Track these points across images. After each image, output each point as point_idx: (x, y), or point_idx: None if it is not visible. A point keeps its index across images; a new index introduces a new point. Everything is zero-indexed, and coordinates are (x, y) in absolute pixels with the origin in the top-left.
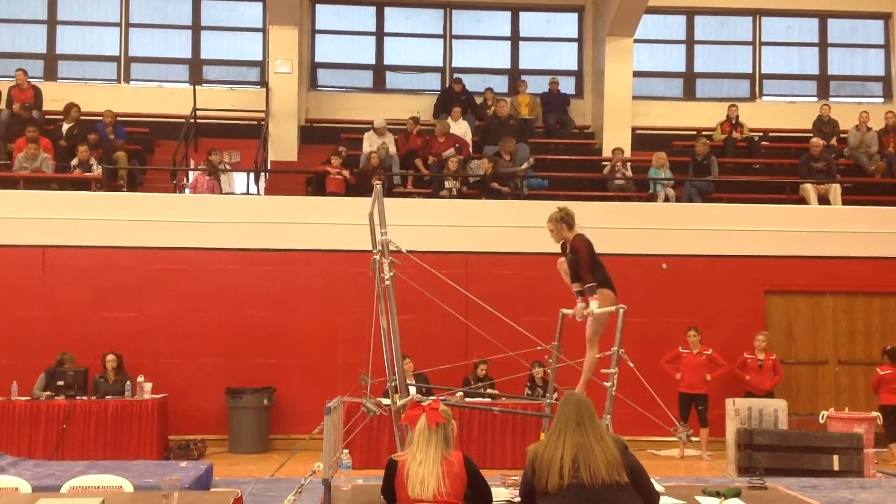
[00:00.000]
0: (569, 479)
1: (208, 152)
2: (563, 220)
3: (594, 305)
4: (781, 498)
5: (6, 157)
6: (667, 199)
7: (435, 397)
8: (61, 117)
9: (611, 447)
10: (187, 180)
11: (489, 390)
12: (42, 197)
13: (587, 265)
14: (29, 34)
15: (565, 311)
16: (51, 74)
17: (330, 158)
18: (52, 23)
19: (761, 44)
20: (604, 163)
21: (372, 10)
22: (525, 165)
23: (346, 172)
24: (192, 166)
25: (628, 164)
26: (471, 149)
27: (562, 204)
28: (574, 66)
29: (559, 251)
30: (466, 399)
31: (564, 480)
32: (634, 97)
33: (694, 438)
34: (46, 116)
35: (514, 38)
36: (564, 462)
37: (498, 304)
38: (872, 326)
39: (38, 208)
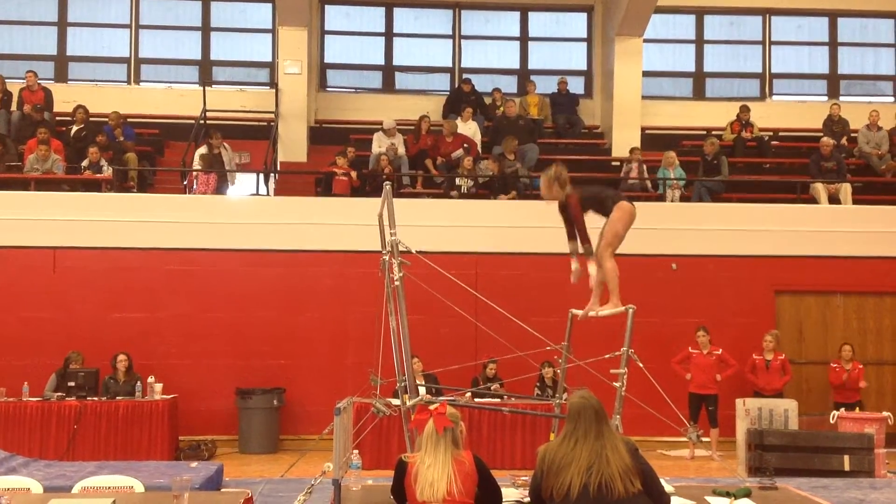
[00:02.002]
0: (579, 489)
1: (209, 136)
2: (557, 179)
3: (593, 270)
4: (792, 498)
5: (17, 158)
6: (672, 199)
7: (444, 398)
8: (72, 119)
9: (624, 456)
10: (196, 182)
11: (498, 390)
12: (53, 198)
13: (581, 225)
14: (39, 36)
15: (575, 311)
16: (61, 76)
17: (335, 159)
18: (62, 25)
19: (771, 43)
20: (613, 162)
21: (381, 10)
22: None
23: (352, 173)
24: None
25: (644, 165)
26: (479, 149)
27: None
28: (583, 66)
29: (569, 252)
30: (476, 399)
31: (574, 490)
32: (644, 97)
33: (704, 439)
34: (57, 118)
35: (524, 38)
36: (576, 474)
37: (507, 305)
38: (883, 326)
39: (49, 209)
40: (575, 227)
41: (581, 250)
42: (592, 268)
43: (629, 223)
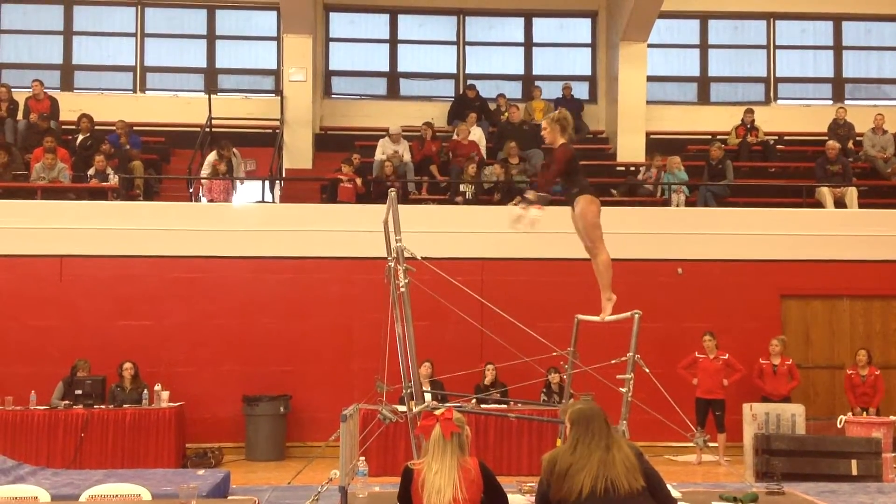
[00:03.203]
0: (588, 491)
1: (219, 146)
2: (558, 122)
3: (536, 214)
4: (799, 503)
5: (24, 167)
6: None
7: (450, 404)
8: (77, 128)
9: (628, 453)
10: (202, 190)
11: (502, 396)
12: (59, 207)
13: (559, 167)
14: (45, 45)
15: (581, 317)
16: (67, 85)
17: (341, 166)
18: (68, 33)
19: (776, 47)
20: (619, 167)
21: (385, 17)
22: None
23: (358, 180)
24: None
25: (663, 171)
26: (484, 155)
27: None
28: (588, 72)
29: (574, 257)
30: (482, 406)
31: (584, 492)
32: (648, 102)
33: (711, 444)
34: (63, 127)
35: (528, 44)
36: (587, 478)
37: (513, 311)
38: (889, 330)
39: (56, 218)
40: (551, 168)
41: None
42: (536, 212)
43: (599, 211)
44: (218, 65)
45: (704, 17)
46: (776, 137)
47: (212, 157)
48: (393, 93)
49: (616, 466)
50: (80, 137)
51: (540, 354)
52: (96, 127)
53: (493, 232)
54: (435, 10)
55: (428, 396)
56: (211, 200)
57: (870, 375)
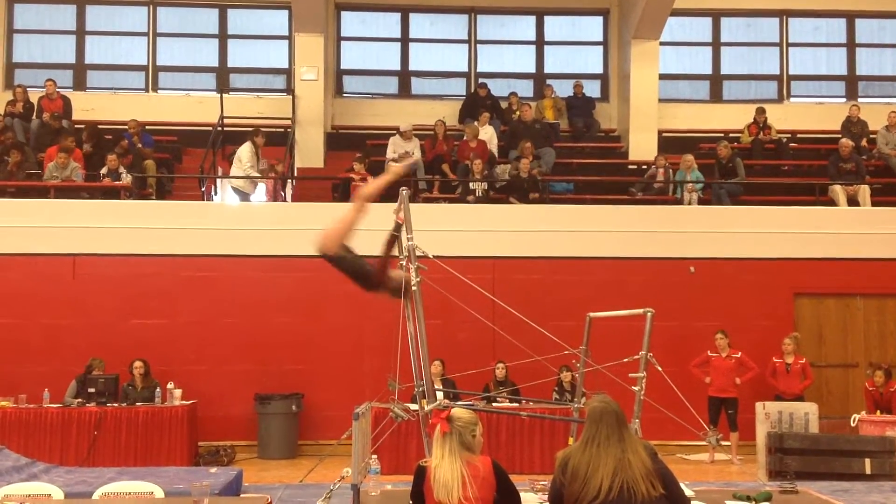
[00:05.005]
0: (604, 496)
1: (255, 134)
2: None
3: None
4: (812, 502)
5: (37, 166)
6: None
7: (462, 403)
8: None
9: (644, 458)
10: (215, 188)
11: (514, 395)
12: (72, 206)
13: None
14: (58, 45)
15: (593, 314)
16: (80, 84)
17: (353, 165)
18: (80, 33)
19: (788, 45)
20: (630, 166)
21: (397, 16)
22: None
23: (369, 179)
24: (220, 174)
25: (671, 169)
26: (496, 153)
27: None
28: (599, 70)
29: (586, 255)
30: (494, 404)
31: (602, 494)
32: (661, 100)
33: (724, 442)
34: (75, 126)
35: (539, 43)
36: (605, 479)
37: (525, 309)
38: None
39: (69, 217)
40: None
41: None
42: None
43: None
44: (230, 64)
45: (717, 15)
46: (789, 135)
47: (247, 147)
48: (404, 91)
49: (633, 469)
50: (85, 147)
51: (552, 353)
52: (108, 126)
53: (504, 230)
54: (446, 9)
55: (440, 395)
56: (274, 199)
57: (887, 391)
